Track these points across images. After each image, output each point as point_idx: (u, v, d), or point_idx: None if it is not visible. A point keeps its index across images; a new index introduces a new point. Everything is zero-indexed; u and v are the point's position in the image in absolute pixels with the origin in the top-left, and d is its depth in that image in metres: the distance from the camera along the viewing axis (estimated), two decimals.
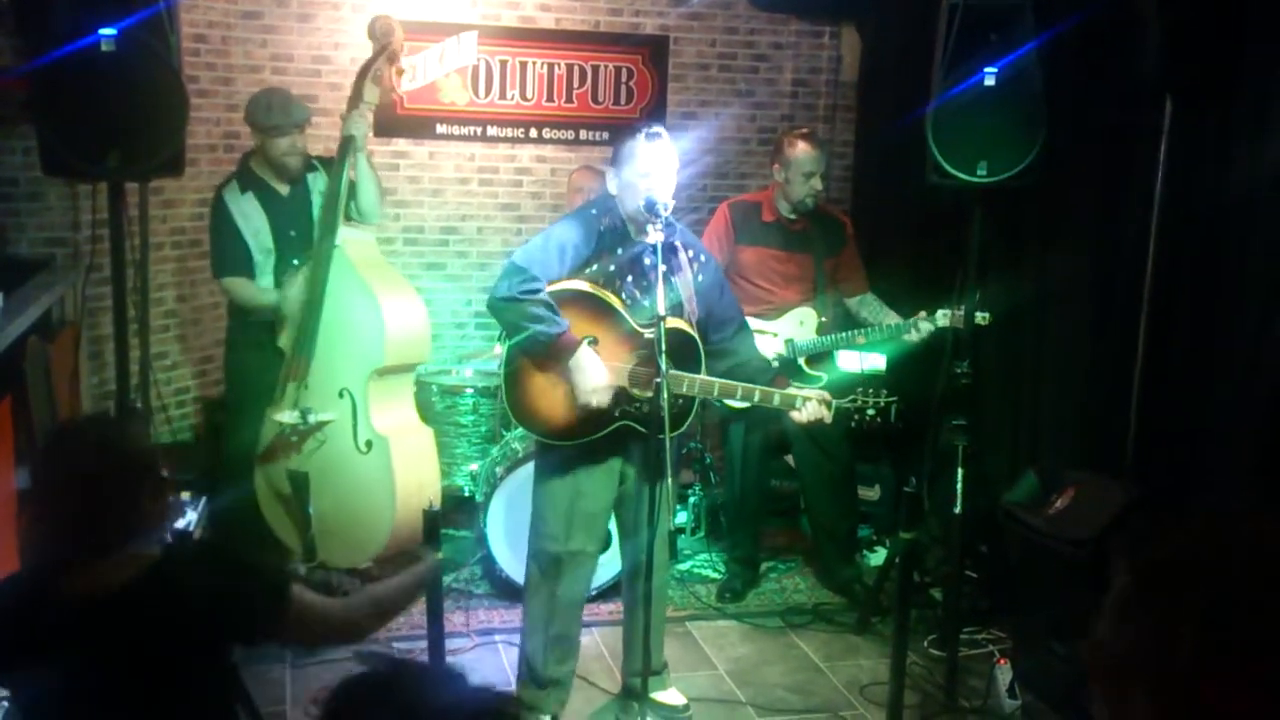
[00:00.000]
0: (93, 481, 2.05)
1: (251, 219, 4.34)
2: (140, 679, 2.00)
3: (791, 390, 3.46)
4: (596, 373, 3.36)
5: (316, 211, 4.38)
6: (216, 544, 2.19)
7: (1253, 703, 1.06)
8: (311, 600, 2.19)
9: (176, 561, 2.11)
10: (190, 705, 2.08)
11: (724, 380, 3.43)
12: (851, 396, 3.48)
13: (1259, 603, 1.08)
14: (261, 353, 4.34)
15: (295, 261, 4.34)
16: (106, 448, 2.12)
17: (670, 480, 3.18)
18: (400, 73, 4.46)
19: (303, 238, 4.37)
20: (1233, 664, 1.07)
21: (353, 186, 4.30)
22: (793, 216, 4.60)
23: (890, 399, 3.48)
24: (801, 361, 4.57)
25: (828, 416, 3.44)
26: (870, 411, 3.47)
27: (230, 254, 4.37)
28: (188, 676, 2.05)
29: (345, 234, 4.23)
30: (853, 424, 3.52)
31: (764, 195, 4.71)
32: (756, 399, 3.44)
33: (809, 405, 3.42)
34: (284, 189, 4.41)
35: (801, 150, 4.49)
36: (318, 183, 4.43)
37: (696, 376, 3.39)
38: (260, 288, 4.37)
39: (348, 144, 4.22)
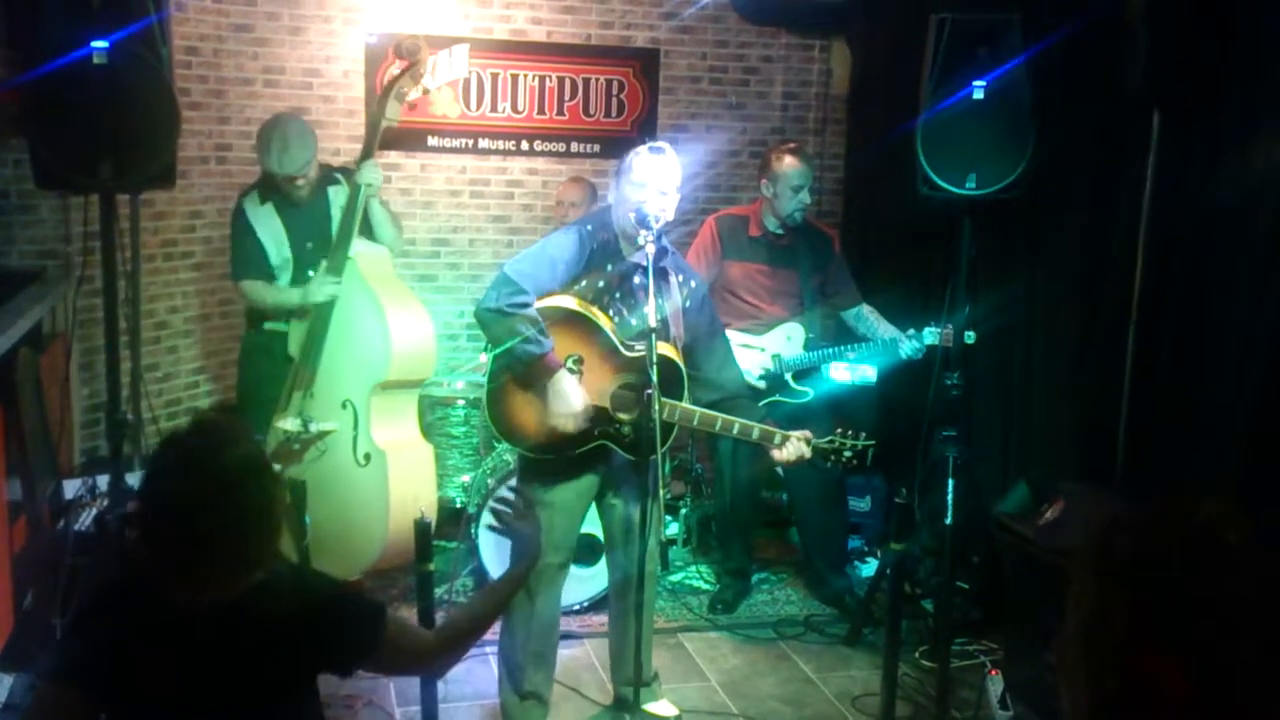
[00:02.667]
0: (230, 488, 1.97)
1: (270, 229, 4.41)
2: (227, 694, 1.98)
3: (770, 427, 3.46)
4: (574, 399, 3.35)
5: (334, 225, 4.42)
6: (318, 573, 2.16)
7: (1182, 678, 1.10)
8: (405, 632, 2.17)
9: (280, 583, 2.06)
10: None
11: (705, 411, 3.43)
12: (830, 438, 3.50)
13: (1196, 590, 1.12)
14: (273, 360, 4.37)
15: (311, 273, 4.37)
16: (248, 455, 2.05)
17: (661, 493, 3.19)
18: (426, 92, 4.53)
19: (320, 250, 4.40)
20: (1163, 642, 1.12)
21: (368, 225, 4.37)
22: (779, 231, 4.61)
23: (868, 442, 3.49)
24: (789, 377, 4.58)
25: (806, 453, 3.46)
26: (847, 453, 3.50)
27: (248, 257, 4.43)
28: (272, 697, 2.03)
29: (360, 247, 4.26)
30: (828, 464, 3.53)
31: (751, 209, 4.72)
32: (735, 432, 3.45)
33: (789, 444, 3.43)
34: (306, 200, 4.45)
35: (789, 164, 4.50)
36: (339, 196, 4.46)
37: (679, 405, 3.39)
38: (279, 287, 4.42)
39: (358, 191, 4.27)
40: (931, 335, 4.34)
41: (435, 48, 5.75)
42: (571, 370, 3.41)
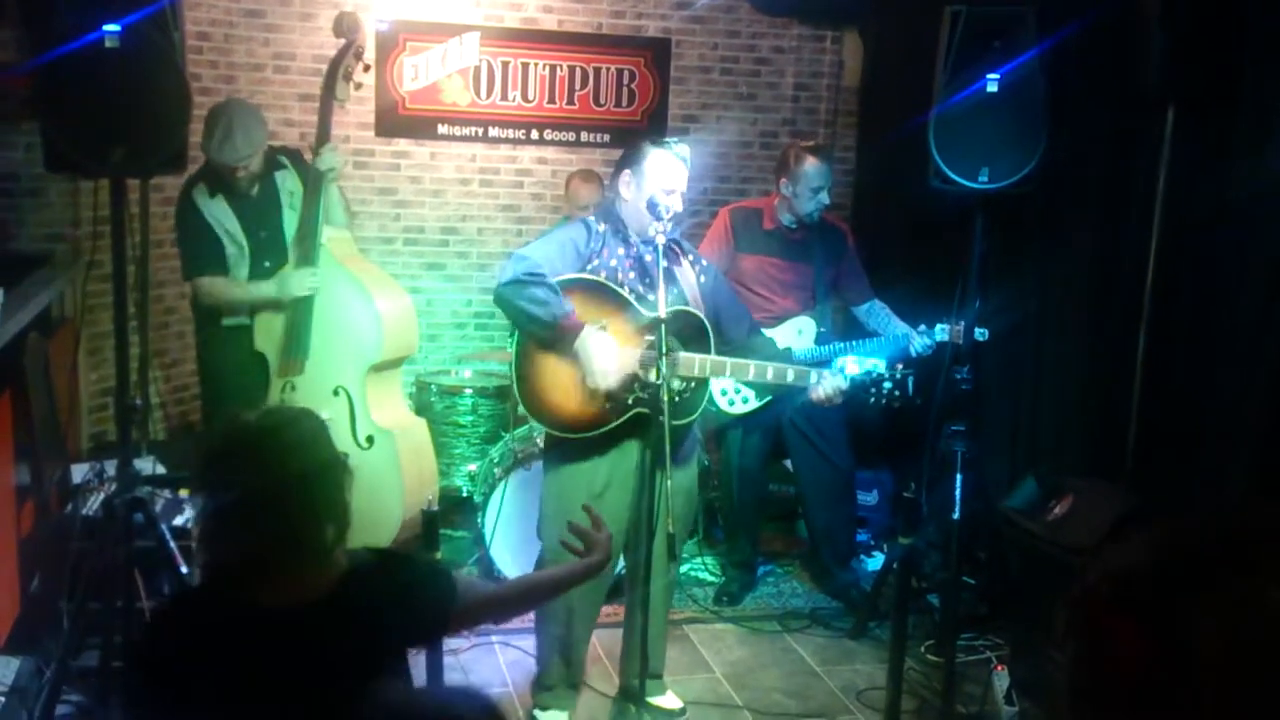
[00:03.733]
0: (307, 482, 1.93)
1: (223, 221, 4.24)
2: (327, 689, 1.92)
3: (803, 367, 3.44)
4: (605, 352, 3.30)
5: (285, 211, 4.30)
6: (391, 551, 2.15)
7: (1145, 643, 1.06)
8: (476, 592, 2.20)
9: (364, 570, 2.02)
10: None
11: (735, 360, 3.40)
12: (868, 369, 3.43)
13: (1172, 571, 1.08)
14: (238, 355, 4.26)
15: (267, 264, 4.28)
16: (317, 443, 2.01)
17: (683, 467, 3.18)
18: (366, 69, 4.37)
19: (274, 238, 4.27)
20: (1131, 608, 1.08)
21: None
22: (793, 226, 4.60)
23: (906, 370, 3.42)
24: None
25: (843, 385, 3.41)
26: (887, 384, 3.41)
27: (205, 252, 4.24)
28: (370, 682, 1.97)
29: (327, 232, 4.21)
30: (870, 398, 3.43)
31: (765, 202, 4.71)
32: (770, 376, 3.42)
33: (825, 380, 3.39)
34: (253, 188, 4.34)
35: (810, 165, 4.47)
36: (286, 181, 4.32)
37: (707, 357, 3.37)
38: (244, 282, 4.24)
39: (321, 178, 4.14)
40: (943, 332, 4.33)
41: (446, 35, 5.77)
42: None
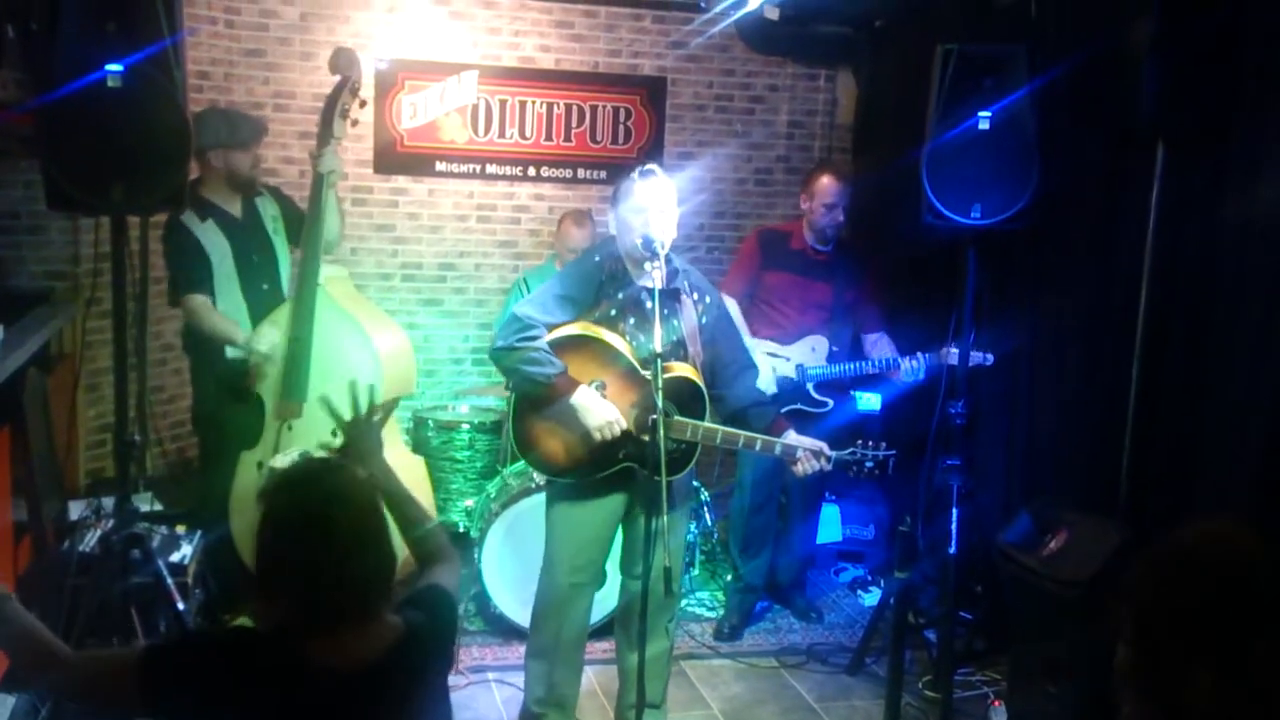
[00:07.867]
0: (370, 537, 1.90)
1: (215, 244, 4.31)
2: None
3: (790, 440, 3.46)
4: (601, 408, 3.40)
5: (272, 237, 4.44)
6: (427, 594, 2.11)
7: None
8: (453, 586, 2.24)
9: (416, 630, 1.99)
10: None
11: (727, 429, 3.48)
12: (851, 449, 3.50)
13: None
14: (231, 393, 4.27)
15: (265, 286, 4.35)
16: (377, 503, 2.00)
17: (675, 513, 3.23)
18: (363, 105, 4.42)
19: (266, 261, 4.37)
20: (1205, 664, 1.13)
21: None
22: (819, 247, 4.71)
23: (889, 452, 3.49)
24: (810, 387, 4.63)
25: (827, 467, 3.47)
26: (869, 464, 3.49)
27: (194, 271, 4.29)
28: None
29: (324, 271, 4.23)
30: (850, 474, 3.54)
31: (795, 225, 4.87)
32: (758, 448, 3.48)
33: (806, 460, 3.43)
34: (236, 210, 4.40)
35: (825, 181, 4.68)
36: (267, 207, 4.48)
37: (700, 424, 3.43)
38: (227, 318, 4.27)
39: (323, 180, 4.20)
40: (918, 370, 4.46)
41: (444, 74, 5.82)
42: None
